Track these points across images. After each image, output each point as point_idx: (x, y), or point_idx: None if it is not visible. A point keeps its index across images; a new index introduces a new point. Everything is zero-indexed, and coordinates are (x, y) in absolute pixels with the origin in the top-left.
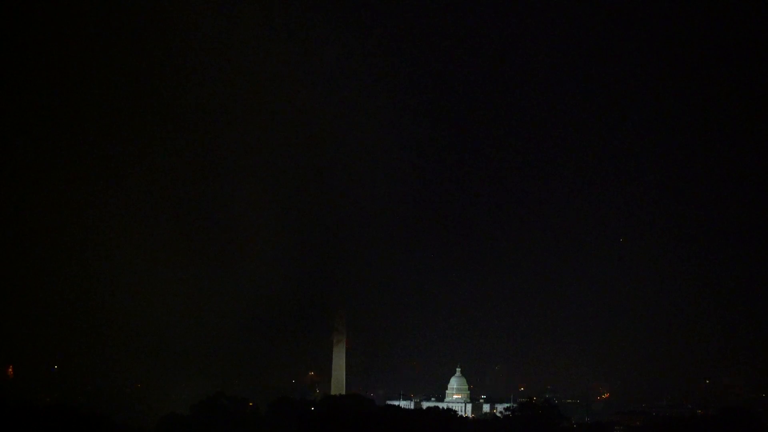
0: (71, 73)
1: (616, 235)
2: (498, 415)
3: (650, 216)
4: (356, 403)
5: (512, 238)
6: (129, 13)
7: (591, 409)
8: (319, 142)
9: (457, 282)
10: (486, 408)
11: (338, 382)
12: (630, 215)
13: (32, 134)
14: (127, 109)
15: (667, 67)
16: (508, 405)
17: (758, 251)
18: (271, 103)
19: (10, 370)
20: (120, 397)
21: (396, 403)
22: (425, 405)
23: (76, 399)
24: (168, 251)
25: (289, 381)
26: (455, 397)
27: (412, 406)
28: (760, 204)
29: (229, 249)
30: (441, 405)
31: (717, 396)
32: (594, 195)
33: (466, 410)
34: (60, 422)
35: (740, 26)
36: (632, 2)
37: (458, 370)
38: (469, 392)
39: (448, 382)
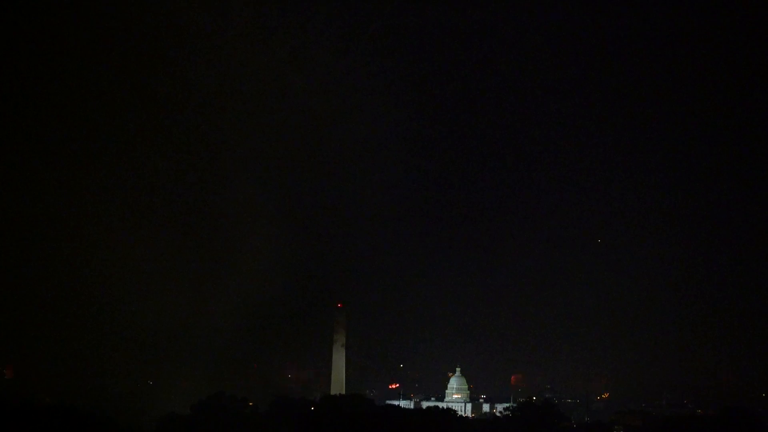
0: (71, 75)
1: (615, 235)
2: (498, 414)
3: (652, 217)
4: (356, 403)
5: (513, 238)
6: (127, 14)
7: (591, 409)
8: (318, 142)
9: (457, 282)
10: (486, 408)
11: (338, 382)
12: (630, 215)
13: (32, 135)
14: (126, 110)
15: (651, 71)
16: (508, 405)
17: (758, 251)
18: (269, 102)
19: (8, 370)
20: (120, 397)
21: (396, 403)
22: (425, 405)
23: (76, 399)
24: (168, 251)
25: (289, 381)
26: (455, 396)
27: (412, 406)
28: (759, 203)
29: (229, 249)
30: (441, 405)
31: (717, 396)
32: (594, 194)
33: (465, 410)
34: (60, 422)
35: (740, 26)
36: (629, 2)
37: (458, 370)
38: (469, 392)
39: (448, 382)
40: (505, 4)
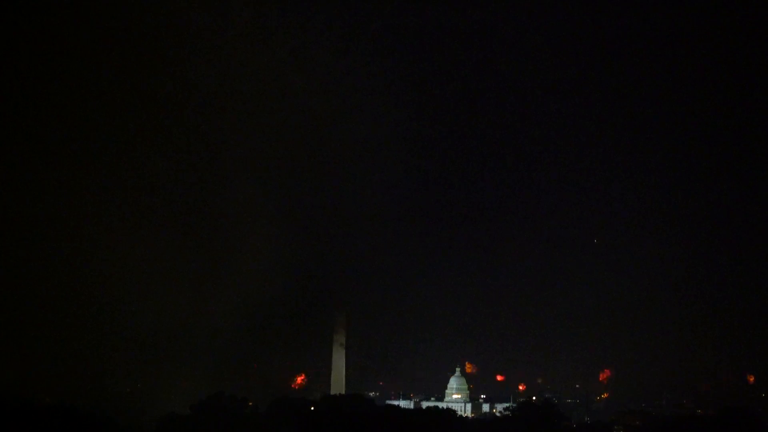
0: (71, 75)
1: (615, 235)
2: (498, 414)
3: (652, 217)
4: (356, 403)
5: (513, 238)
6: (127, 14)
7: (591, 409)
8: (318, 142)
9: (457, 282)
10: (486, 408)
11: (338, 382)
12: (630, 215)
13: (32, 135)
14: (126, 110)
15: (651, 71)
16: (508, 405)
17: (758, 251)
18: (269, 102)
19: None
20: (120, 397)
21: (396, 403)
22: (425, 405)
23: (76, 399)
24: (168, 251)
25: (289, 381)
26: (455, 396)
27: (412, 406)
28: (759, 203)
29: (229, 249)
30: (441, 405)
31: (717, 396)
32: (594, 194)
33: (465, 410)
34: (60, 422)
35: (739, 26)
36: (629, 2)
37: (458, 370)
38: (468, 392)
39: (448, 382)
40: (505, 4)
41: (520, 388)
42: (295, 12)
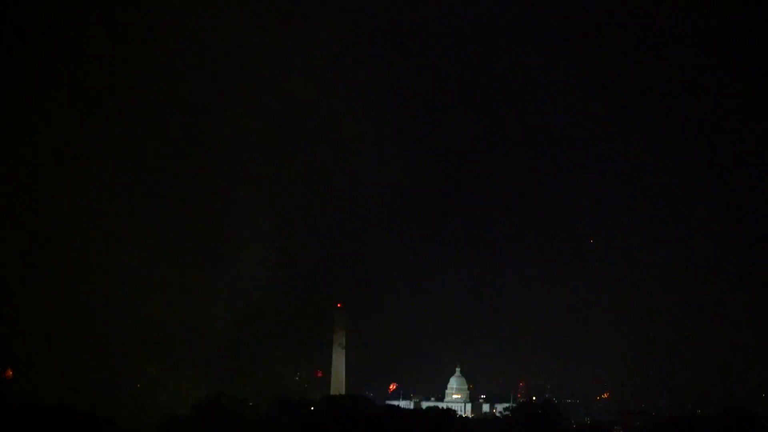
0: (71, 75)
1: (616, 235)
2: (498, 415)
3: (653, 217)
4: (356, 403)
5: (513, 238)
6: (127, 15)
7: (591, 409)
8: (318, 142)
9: (457, 282)
10: (486, 408)
11: (338, 382)
12: (631, 215)
13: (32, 135)
14: (127, 110)
15: (651, 71)
16: (508, 405)
17: (758, 251)
18: (266, 102)
19: (9, 372)
20: (120, 398)
21: (396, 403)
22: (425, 405)
23: (76, 399)
24: (167, 251)
25: (289, 381)
26: (455, 397)
27: (412, 406)
28: (759, 203)
29: (229, 249)
30: (441, 405)
31: (717, 396)
32: (594, 194)
33: (465, 410)
34: (60, 422)
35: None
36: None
37: (458, 370)
38: (468, 392)
39: (448, 382)
40: (505, 4)
41: (520, 385)
42: (295, 12)
